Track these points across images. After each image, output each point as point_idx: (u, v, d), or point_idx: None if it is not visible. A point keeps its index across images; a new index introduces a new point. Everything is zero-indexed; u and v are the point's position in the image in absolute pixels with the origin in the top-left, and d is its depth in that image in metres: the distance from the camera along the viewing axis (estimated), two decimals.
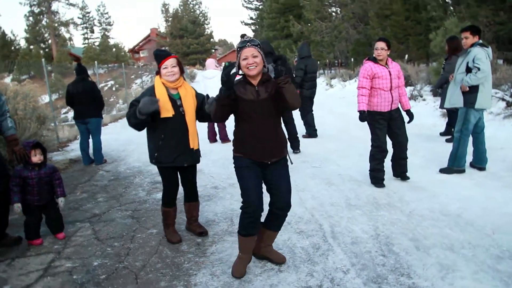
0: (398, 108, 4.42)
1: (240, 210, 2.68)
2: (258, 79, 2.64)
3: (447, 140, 6.41)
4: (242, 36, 2.74)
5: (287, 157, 2.82)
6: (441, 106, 6.91)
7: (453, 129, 5.76)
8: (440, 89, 7.07)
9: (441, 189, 4.26)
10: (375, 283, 2.55)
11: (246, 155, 2.67)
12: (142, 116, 2.90)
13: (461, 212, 3.63)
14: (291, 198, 2.75)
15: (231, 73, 2.52)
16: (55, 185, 3.50)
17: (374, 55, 4.35)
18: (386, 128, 4.40)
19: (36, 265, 3.03)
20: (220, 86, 2.53)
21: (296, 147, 6.41)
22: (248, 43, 2.59)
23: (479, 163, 4.84)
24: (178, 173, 3.32)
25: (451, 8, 15.26)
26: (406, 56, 15.69)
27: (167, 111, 3.04)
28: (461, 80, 4.60)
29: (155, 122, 3.07)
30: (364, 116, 4.30)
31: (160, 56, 3.12)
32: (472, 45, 4.57)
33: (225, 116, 2.68)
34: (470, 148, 4.82)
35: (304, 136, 7.40)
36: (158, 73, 3.16)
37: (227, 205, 4.16)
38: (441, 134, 7.00)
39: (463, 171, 4.75)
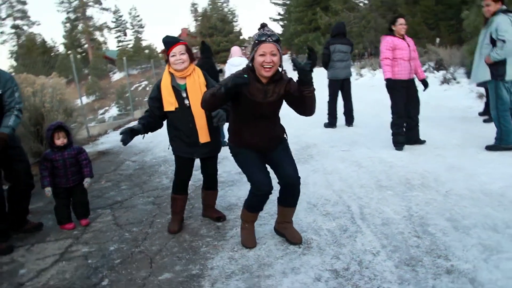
0: (413, 78, 4.87)
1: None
2: (269, 77, 2.39)
3: (484, 121, 5.95)
4: (262, 26, 2.38)
5: (284, 136, 2.71)
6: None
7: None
8: None
9: (481, 168, 3.88)
10: (408, 266, 2.30)
11: (242, 147, 2.59)
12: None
13: (504, 191, 3.27)
14: (297, 172, 2.61)
15: (240, 82, 2.21)
16: (82, 166, 3.43)
17: (395, 30, 4.76)
18: (405, 96, 4.75)
19: (54, 250, 2.98)
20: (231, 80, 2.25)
21: (350, 122, 6.77)
22: (269, 38, 2.28)
23: None
24: (199, 160, 3.17)
25: None
26: (438, 39, 14.82)
27: (170, 105, 2.90)
28: (486, 53, 4.25)
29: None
30: (390, 82, 4.71)
31: (168, 43, 2.91)
32: (495, 13, 4.19)
33: (216, 107, 2.53)
34: None
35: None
36: (167, 61, 2.95)
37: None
38: (480, 114, 6.51)
39: (511, 148, 4.34)
